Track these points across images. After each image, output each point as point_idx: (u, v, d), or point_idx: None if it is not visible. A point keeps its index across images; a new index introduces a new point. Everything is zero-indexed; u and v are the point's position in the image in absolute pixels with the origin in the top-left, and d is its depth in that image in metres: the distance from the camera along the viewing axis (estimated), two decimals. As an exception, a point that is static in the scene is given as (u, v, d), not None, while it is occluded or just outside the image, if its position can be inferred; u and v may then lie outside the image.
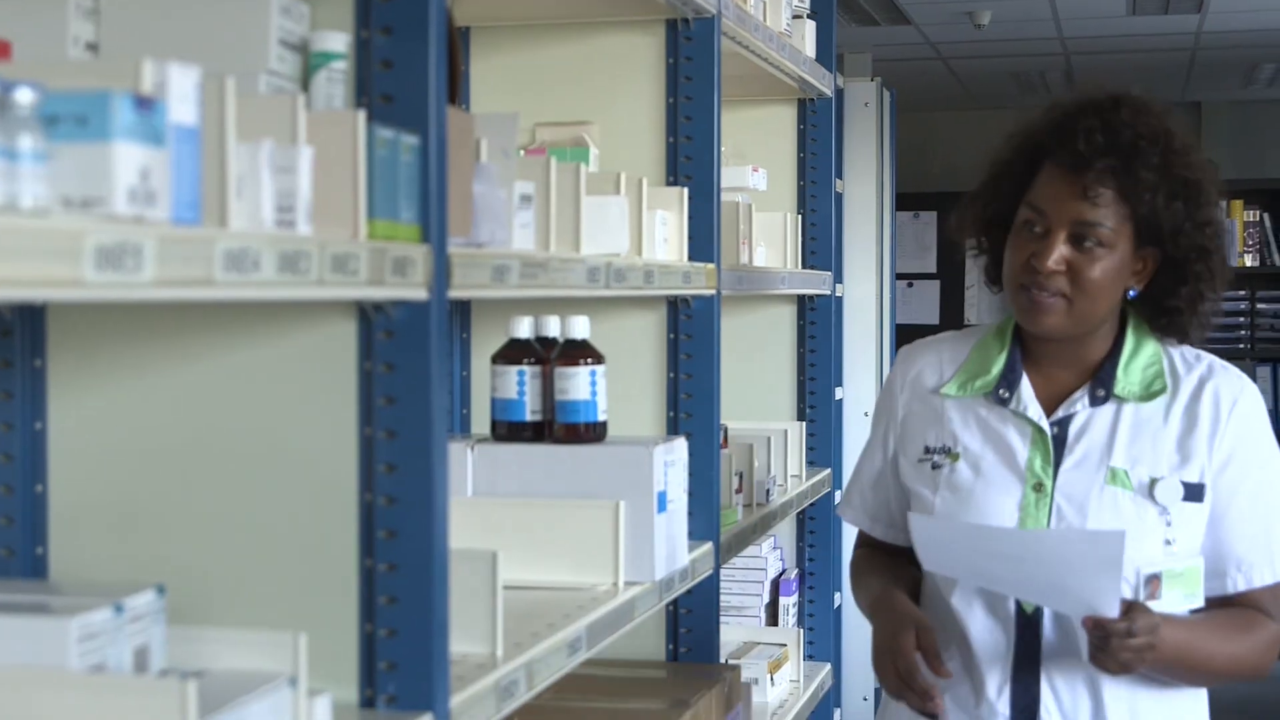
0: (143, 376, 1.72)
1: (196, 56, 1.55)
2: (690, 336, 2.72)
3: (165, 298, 1.26)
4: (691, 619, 2.76)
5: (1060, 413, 2.18)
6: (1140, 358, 2.18)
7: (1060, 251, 2.07)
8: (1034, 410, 2.18)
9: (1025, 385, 2.20)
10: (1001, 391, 2.20)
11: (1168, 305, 2.16)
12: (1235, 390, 2.19)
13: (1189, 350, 2.22)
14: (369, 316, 1.65)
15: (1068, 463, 2.16)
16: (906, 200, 7.73)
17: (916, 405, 2.29)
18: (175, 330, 1.71)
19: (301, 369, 1.68)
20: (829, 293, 3.79)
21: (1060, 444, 2.17)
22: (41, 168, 1.14)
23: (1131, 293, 2.15)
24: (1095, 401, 2.16)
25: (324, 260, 1.44)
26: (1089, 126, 2.09)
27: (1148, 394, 2.16)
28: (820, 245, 3.76)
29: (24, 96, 1.13)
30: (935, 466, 2.22)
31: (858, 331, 5.67)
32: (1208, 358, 2.23)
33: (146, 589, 1.48)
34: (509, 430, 2.35)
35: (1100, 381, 2.17)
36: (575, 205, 2.09)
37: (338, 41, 1.63)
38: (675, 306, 2.73)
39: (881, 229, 5.83)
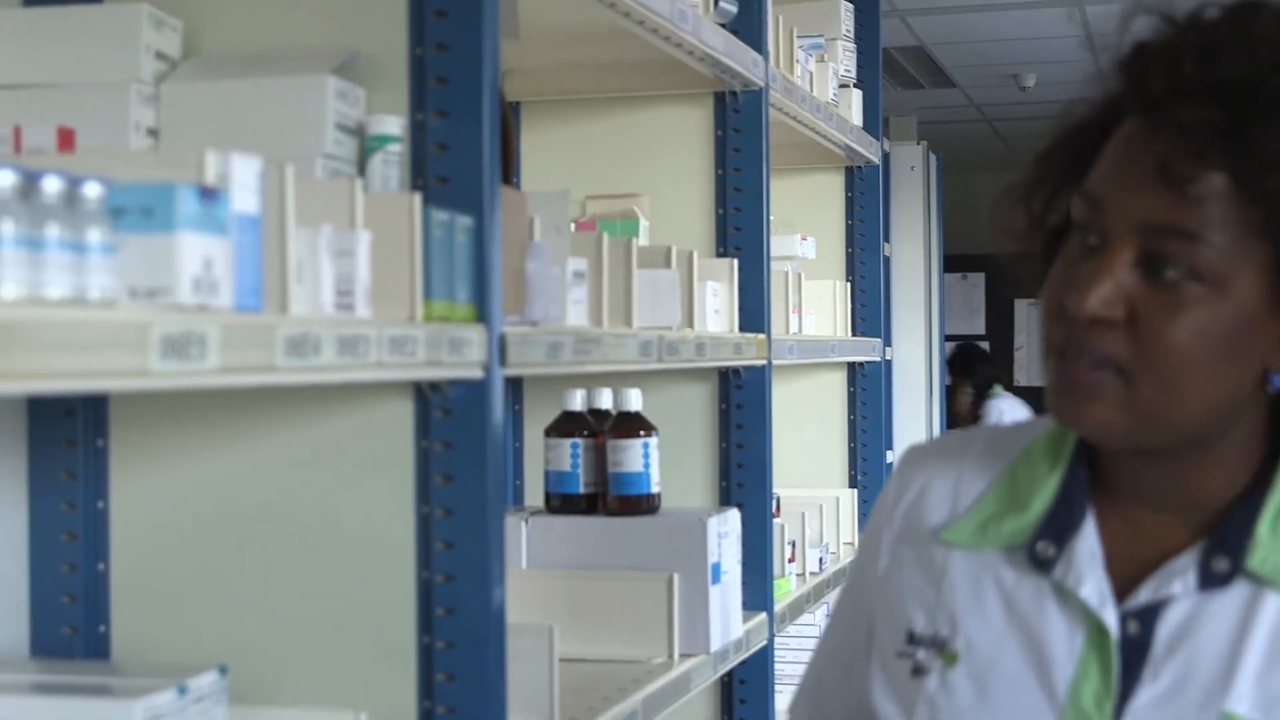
0: (203, 456, 1.74)
1: (254, 141, 1.58)
2: (741, 407, 2.73)
3: (228, 384, 1.28)
4: (746, 690, 2.76)
5: (1144, 596, 1.26)
6: None
7: (1118, 282, 1.21)
8: (1094, 587, 1.27)
9: (1087, 538, 1.30)
10: (1043, 546, 1.30)
11: None
12: None
13: None
14: (425, 396, 1.67)
15: (1145, 694, 1.25)
16: (953, 262, 7.73)
17: (907, 554, 1.40)
18: (235, 410, 1.73)
19: (359, 448, 1.69)
20: (879, 359, 3.80)
21: (1138, 656, 1.26)
22: (109, 260, 1.16)
23: (1274, 377, 1.27)
24: (1210, 580, 1.25)
25: (382, 342, 1.46)
26: (1180, 47, 1.22)
27: None
28: (869, 311, 3.77)
29: (92, 190, 1.16)
30: (918, 671, 1.34)
31: (907, 394, 5.67)
32: None
33: (209, 670, 1.49)
34: (563, 502, 2.36)
35: (1222, 541, 1.26)
36: (627, 280, 2.11)
37: (394, 125, 1.65)
38: (726, 377, 2.74)
39: (930, 291, 5.83)
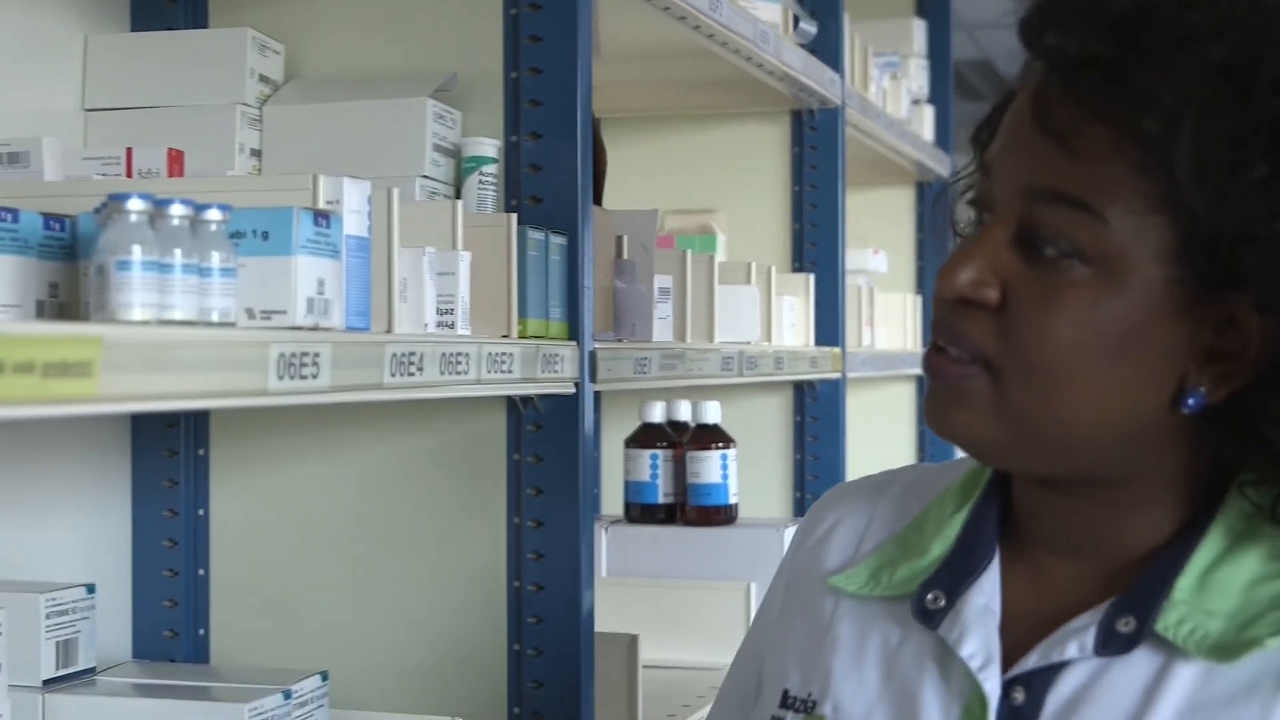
0: (300, 465, 1.79)
1: (354, 162, 1.64)
2: (816, 419, 2.77)
3: (339, 401, 1.33)
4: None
5: (1034, 659, 1.05)
6: (1252, 553, 1.05)
7: (992, 258, 1.03)
8: (978, 645, 1.07)
9: (983, 589, 1.10)
10: (933, 597, 1.11)
11: None
12: None
13: None
14: (518, 410, 1.72)
15: None
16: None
17: (797, 601, 1.22)
18: (331, 421, 1.78)
19: (453, 460, 1.74)
20: (947, 370, 3.82)
21: None
22: (229, 282, 1.21)
23: (1190, 400, 1.02)
24: (1111, 643, 1.04)
25: (481, 359, 1.51)
26: None
27: (1236, 643, 1.01)
28: (939, 323, 3.79)
29: (214, 215, 1.21)
30: None
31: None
32: None
33: (312, 674, 1.54)
34: (642, 512, 2.40)
35: (1132, 598, 1.04)
36: (710, 296, 2.15)
37: (489, 147, 1.70)
38: (801, 390, 2.77)
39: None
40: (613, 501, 2.71)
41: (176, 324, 1.15)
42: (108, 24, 1.76)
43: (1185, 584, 1.04)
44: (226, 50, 1.71)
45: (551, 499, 1.72)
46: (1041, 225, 1.02)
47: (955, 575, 1.11)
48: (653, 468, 2.38)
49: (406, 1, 1.74)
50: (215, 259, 1.20)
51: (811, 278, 2.68)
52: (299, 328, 1.27)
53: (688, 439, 2.38)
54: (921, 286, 3.77)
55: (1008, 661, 1.07)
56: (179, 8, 1.77)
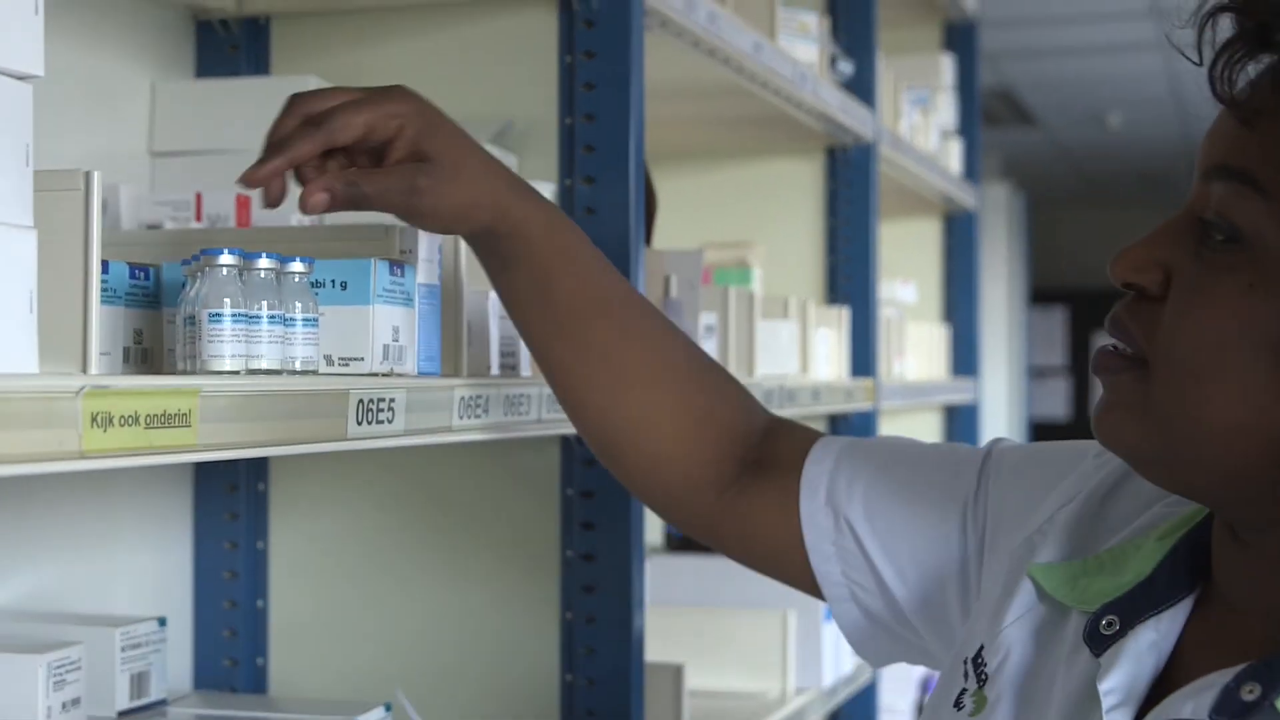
0: (358, 500, 1.84)
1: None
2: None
3: (411, 444, 1.38)
4: (852, 724, 2.84)
5: (1157, 712, 0.99)
6: None
7: (1162, 243, 0.98)
8: (1119, 683, 1.01)
9: (1160, 624, 1.03)
10: (1106, 622, 1.04)
11: None
12: None
13: None
14: (571, 447, 1.77)
15: None
16: (1035, 294, 7.77)
17: (1011, 545, 1.18)
18: (388, 458, 1.83)
19: (507, 495, 1.79)
20: (973, 400, 3.87)
21: None
22: (312, 331, 1.26)
23: None
24: (1228, 707, 0.95)
25: (542, 401, 1.56)
26: None
27: None
28: (964, 353, 3.85)
29: (298, 268, 1.26)
30: (959, 704, 1.13)
31: (992, 430, 5.72)
32: None
33: (376, 707, 1.59)
34: (681, 541, 2.45)
35: (1268, 664, 0.95)
36: (750, 331, 2.20)
37: (545, 191, 1.75)
38: (835, 421, 2.82)
39: (1013, 326, 5.89)
40: (652, 530, 2.76)
41: (264, 373, 1.20)
42: (173, 71, 1.81)
43: None
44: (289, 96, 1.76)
45: (602, 533, 1.76)
46: (1211, 203, 0.95)
47: (1137, 606, 1.04)
48: (692, 499, 2.42)
49: (465, 49, 1.79)
50: (298, 309, 1.25)
51: (846, 310, 2.73)
52: (375, 374, 1.32)
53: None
54: (949, 316, 3.82)
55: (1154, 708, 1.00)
56: (242, 54, 1.82)
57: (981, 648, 1.13)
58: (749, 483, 1.35)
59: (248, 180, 1.25)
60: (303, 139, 1.26)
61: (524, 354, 1.57)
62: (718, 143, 2.85)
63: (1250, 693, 0.94)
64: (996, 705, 1.09)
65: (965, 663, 1.14)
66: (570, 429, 1.67)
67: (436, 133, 1.31)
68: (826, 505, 1.29)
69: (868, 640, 1.34)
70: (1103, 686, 1.01)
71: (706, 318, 2.02)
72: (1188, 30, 0.97)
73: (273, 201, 1.26)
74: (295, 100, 1.30)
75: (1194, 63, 0.98)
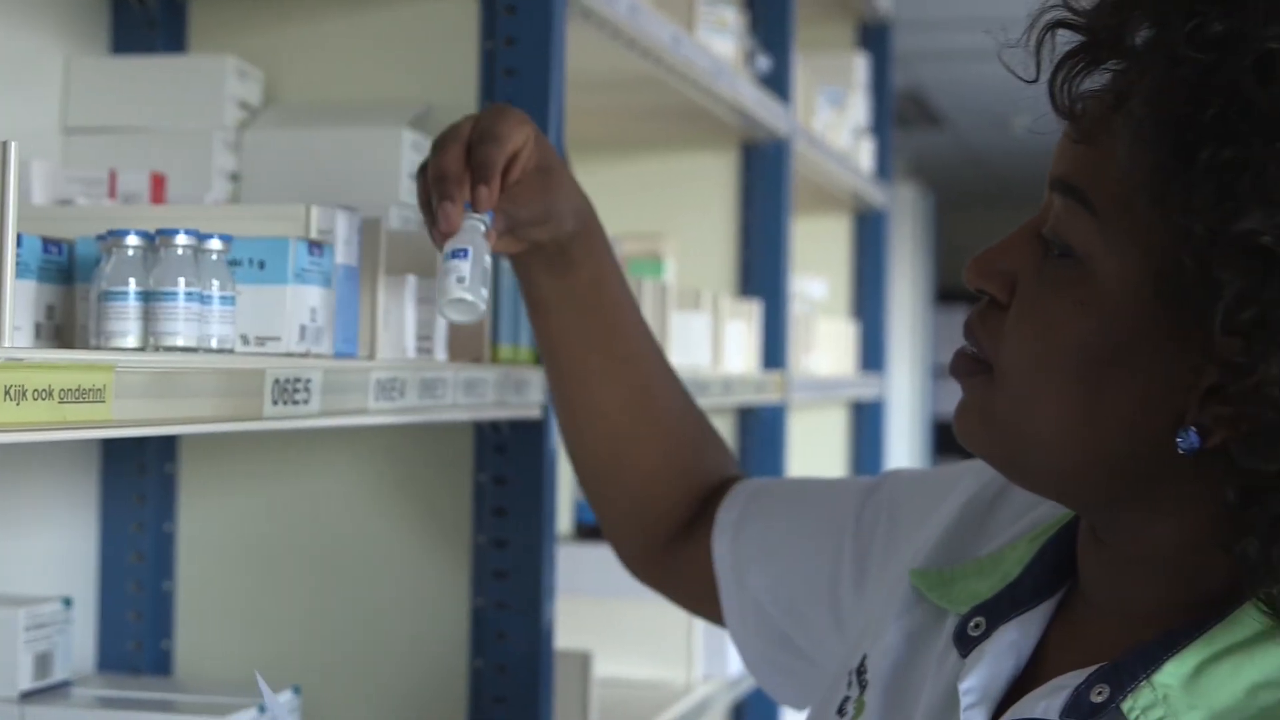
0: (268, 482, 1.83)
1: (331, 188, 1.68)
2: (759, 444, 2.83)
3: (327, 425, 1.37)
4: (758, 713, 2.86)
5: (1011, 712, 1.00)
6: (1266, 658, 0.93)
7: (1010, 251, 1.00)
8: (977, 682, 1.03)
9: (1022, 625, 1.05)
10: (974, 624, 1.06)
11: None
12: None
13: None
14: (484, 432, 1.77)
15: None
16: (942, 294, 7.85)
17: (896, 566, 1.21)
18: (299, 440, 1.82)
19: (419, 480, 1.79)
20: (879, 396, 3.91)
21: None
22: (228, 309, 1.25)
23: (1181, 437, 0.92)
24: (1077, 709, 0.96)
25: (458, 385, 1.55)
26: None
27: None
28: (872, 350, 3.88)
29: (216, 245, 1.25)
30: (842, 711, 1.14)
31: (896, 427, 5.78)
32: None
33: (285, 689, 1.58)
34: (591, 531, 2.46)
35: (1119, 666, 0.96)
36: (663, 322, 2.21)
37: (463, 177, 1.75)
38: (745, 415, 2.84)
39: (919, 324, 5.96)
40: (562, 519, 2.76)
41: (180, 350, 1.20)
42: (89, 47, 1.79)
43: (1177, 669, 0.94)
44: (206, 75, 1.74)
45: (514, 519, 1.77)
46: (1048, 218, 0.97)
47: (1003, 607, 1.05)
48: (602, 488, 2.43)
49: (386, 33, 1.78)
50: (215, 287, 1.24)
51: (758, 304, 2.74)
52: (292, 354, 1.31)
53: (637, 461, 2.44)
54: (858, 313, 3.85)
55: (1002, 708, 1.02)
56: (159, 32, 1.81)
57: (865, 657, 1.15)
58: (686, 533, 1.45)
59: (444, 230, 1.30)
60: (481, 178, 1.30)
61: (440, 338, 1.56)
62: (634, 134, 2.86)
63: (1099, 694, 0.95)
64: (872, 706, 1.11)
65: (850, 674, 1.16)
66: (486, 414, 1.67)
67: (544, 139, 1.38)
68: (731, 551, 1.39)
69: (772, 677, 1.42)
70: (962, 686, 1.03)
71: (621, 307, 2.03)
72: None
73: (451, 231, 1.30)
74: (448, 139, 1.34)
75: (1023, 80, 0.99)
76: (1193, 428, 0.92)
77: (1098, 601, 1.04)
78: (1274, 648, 0.93)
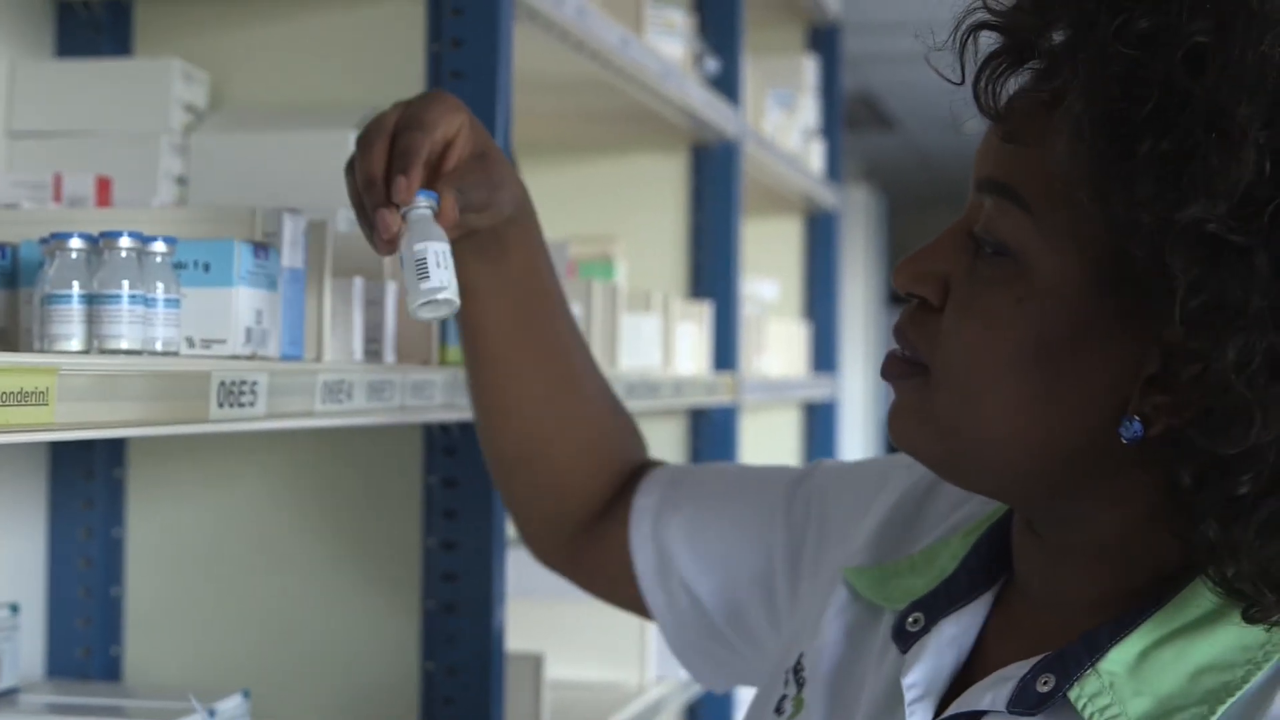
0: (217, 486, 1.83)
1: (279, 191, 1.68)
2: (711, 444, 2.84)
3: (274, 428, 1.37)
4: (712, 713, 2.86)
5: (955, 706, 1.01)
6: (1219, 635, 0.95)
7: (940, 252, 1.00)
8: (920, 677, 1.04)
9: (960, 620, 1.06)
10: (912, 619, 1.07)
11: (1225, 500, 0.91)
12: None
13: None
14: (433, 435, 1.77)
15: None
16: (891, 294, 7.89)
17: (829, 562, 1.22)
18: (249, 445, 1.81)
19: (368, 483, 1.78)
20: (832, 396, 3.92)
21: None
22: (173, 312, 1.25)
23: (1124, 427, 0.94)
24: (1023, 699, 0.97)
25: (406, 387, 1.55)
26: None
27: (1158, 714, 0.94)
28: (825, 351, 3.89)
29: (160, 248, 1.25)
30: (779, 710, 1.15)
31: (848, 428, 5.80)
32: None
33: (234, 693, 1.58)
34: (542, 535, 2.46)
35: (1063, 656, 0.98)
36: (613, 324, 2.21)
37: (410, 179, 1.75)
38: (696, 416, 2.85)
39: (871, 325, 5.98)
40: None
41: (124, 353, 1.19)
42: (33, 51, 1.78)
43: (1121, 655, 0.96)
44: (152, 79, 1.74)
45: (464, 521, 1.77)
46: (979, 218, 0.97)
47: (940, 602, 1.07)
48: (554, 490, 2.43)
49: (331, 35, 1.78)
50: (160, 290, 1.24)
51: (709, 305, 2.75)
52: (238, 357, 1.31)
53: (588, 463, 2.44)
54: (809, 314, 3.87)
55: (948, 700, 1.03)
56: (104, 35, 1.80)
57: (801, 656, 1.16)
58: (600, 521, 1.43)
59: (385, 238, 1.22)
60: (404, 168, 1.22)
61: (388, 340, 1.56)
62: (584, 137, 2.86)
63: (1045, 684, 0.97)
64: (812, 705, 1.11)
65: (786, 673, 1.17)
66: (434, 416, 1.67)
67: (479, 125, 1.33)
68: (651, 538, 1.37)
69: (699, 663, 1.42)
70: (905, 680, 1.04)
71: (571, 308, 2.03)
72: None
73: (393, 238, 1.23)
74: (372, 133, 1.26)
75: (950, 81, 1.00)
76: (1136, 417, 0.94)
77: (1035, 593, 1.05)
78: (1217, 631, 0.95)
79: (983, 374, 0.97)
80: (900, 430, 1.03)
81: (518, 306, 1.39)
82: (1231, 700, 0.93)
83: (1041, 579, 1.04)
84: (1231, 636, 0.95)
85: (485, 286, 1.37)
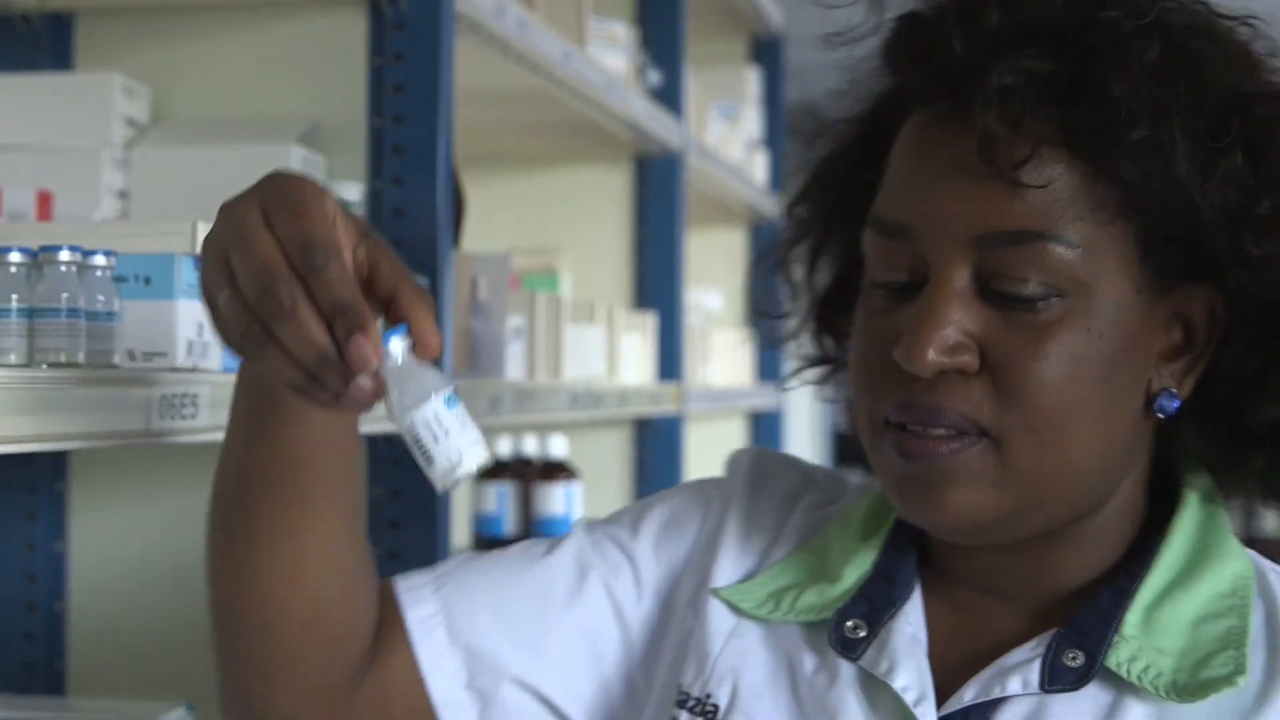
0: (160, 499, 1.82)
1: (222, 203, 1.67)
2: (656, 454, 2.86)
3: (216, 440, 1.37)
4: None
5: (970, 693, 1.02)
6: (1197, 590, 1.03)
7: (958, 320, 0.97)
8: (912, 679, 1.03)
9: (908, 620, 1.06)
10: (853, 626, 1.07)
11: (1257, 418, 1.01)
12: None
13: None
14: (377, 444, 1.77)
15: None
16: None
17: (693, 575, 1.16)
18: (192, 457, 1.81)
19: (313, 495, 1.79)
20: (777, 407, 3.94)
21: None
22: (113, 325, 1.25)
23: (1163, 402, 1.01)
24: (1059, 677, 1.00)
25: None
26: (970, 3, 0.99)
27: (1194, 683, 0.98)
28: (770, 361, 3.91)
29: (101, 261, 1.25)
30: None
31: (795, 437, 5.81)
32: None
33: (177, 708, 1.58)
34: (489, 543, 2.46)
35: (1080, 631, 1.01)
36: (557, 334, 2.23)
37: (353, 192, 1.75)
38: (641, 426, 2.86)
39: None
40: (460, 533, 2.77)
41: (63, 366, 1.20)
42: (-28, 65, 1.78)
43: (1133, 620, 1.00)
44: (93, 93, 1.74)
45: (408, 531, 1.77)
46: (1007, 271, 0.96)
47: (874, 606, 1.06)
48: (499, 500, 2.44)
49: (274, 49, 1.79)
50: (100, 303, 1.24)
51: (653, 316, 2.77)
52: (179, 369, 1.32)
53: (534, 473, 2.45)
54: (754, 324, 3.89)
55: (936, 697, 1.03)
56: (45, 50, 1.80)
57: (687, 696, 1.10)
58: (367, 667, 1.15)
59: (366, 401, 0.92)
60: (355, 324, 0.89)
61: (330, 352, 1.57)
62: (528, 149, 2.88)
63: (1074, 659, 0.99)
64: None
65: (674, 708, 1.11)
66: (377, 428, 1.67)
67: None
68: (452, 646, 1.15)
69: None
70: (897, 685, 1.02)
71: (514, 320, 2.04)
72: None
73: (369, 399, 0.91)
74: (268, 283, 0.90)
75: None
76: (1173, 389, 1.01)
77: (996, 587, 1.06)
78: (1194, 587, 1.02)
79: (1074, 410, 0.98)
80: (965, 501, 0.99)
81: (346, 449, 1.10)
82: (1249, 641, 0.99)
83: (1014, 574, 1.06)
84: (1208, 587, 1.02)
85: (319, 419, 1.05)
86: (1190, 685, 0.97)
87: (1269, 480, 1.05)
